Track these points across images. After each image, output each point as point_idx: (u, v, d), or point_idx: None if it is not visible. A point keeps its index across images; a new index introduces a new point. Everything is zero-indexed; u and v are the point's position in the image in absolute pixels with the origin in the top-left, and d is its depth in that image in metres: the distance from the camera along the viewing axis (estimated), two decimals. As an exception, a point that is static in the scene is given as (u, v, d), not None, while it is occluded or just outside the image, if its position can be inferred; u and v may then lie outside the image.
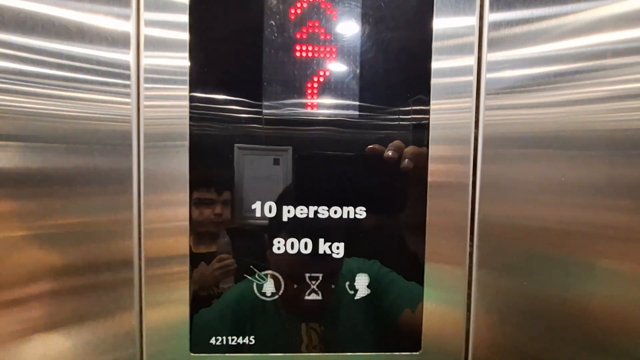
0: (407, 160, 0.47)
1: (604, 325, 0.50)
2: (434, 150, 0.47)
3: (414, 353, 0.48)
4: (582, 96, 0.48)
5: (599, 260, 0.50)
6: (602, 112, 0.48)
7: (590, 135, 0.48)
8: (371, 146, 0.47)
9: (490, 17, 0.46)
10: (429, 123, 0.47)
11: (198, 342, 0.47)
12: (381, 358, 0.49)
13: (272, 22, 0.45)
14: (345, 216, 0.47)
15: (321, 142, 0.47)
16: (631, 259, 0.50)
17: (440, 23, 0.46)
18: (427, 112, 0.47)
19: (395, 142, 0.47)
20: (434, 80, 0.46)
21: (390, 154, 0.47)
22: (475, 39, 0.46)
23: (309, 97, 0.46)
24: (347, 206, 0.47)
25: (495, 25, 0.46)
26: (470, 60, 0.46)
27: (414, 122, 0.47)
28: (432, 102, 0.46)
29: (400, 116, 0.47)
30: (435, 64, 0.46)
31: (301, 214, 0.47)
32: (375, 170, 0.47)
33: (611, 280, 0.50)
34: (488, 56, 0.46)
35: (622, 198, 0.49)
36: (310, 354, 0.48)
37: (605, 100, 0.48)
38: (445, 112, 0.47)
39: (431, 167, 0.47)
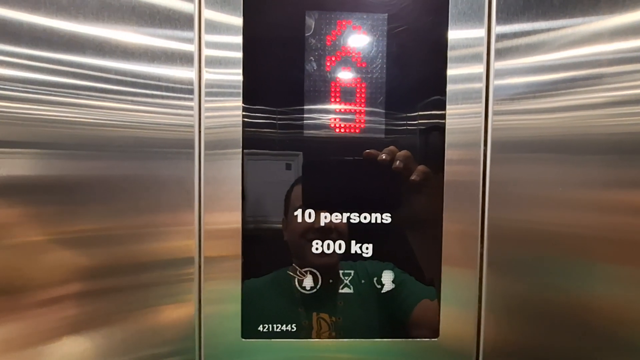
0: (422, 167, 0.51)
1: (608, 323, 0.53)
2: (449, 154, 0.51)
3: (434, 339, 0.53)
4: (582, 102, 0.51)
5: (604, 261, 0.52)
6: (601, 117, 0.51)
7: (591, 138, 0.51)
8: (368, 150, 0.51)
9: (496, 29, 0.50)
10: (445, 127, 0.51)
11: (248, 329, 0.52)
12: (406, 343, 0.53)
13: (312, 40, 0.50)
14: (373, 221, 0.52)
15: (358, 151, 0.51)
16: (638, 260, 0.52)
17: (454, 34, 0.50)
18: (444, 116, 0.51)
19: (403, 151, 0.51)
20: (449, 87, 0.50)
21: (419, 169, 0.51)
22: (484, 49, 0.50)
23: (345, 105, 0.51)
24: (375, 212, 0.52)
25: (501, 37, 0.50)
26: (480, 68, 0.50)
27: (432, 127, 0.51)
28: (447, 107, 0.50)
29: (420, 120, 0.51)
30: (450, 72, 0.50)
31: (336, 219, 0.52)
32: (400, 177, 0.51)
33: (616, 281, 0.52)
34: (495, 65, 0.50)
35: (628, 200, 0.52)
36: (343, 339, 0.53)
37: (603, 105, 0.51)
38: (458, 116, 0.51)
39: (447, 169, 0.51)
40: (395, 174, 0.51)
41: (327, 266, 0.52)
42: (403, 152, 0.51)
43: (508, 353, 0.53)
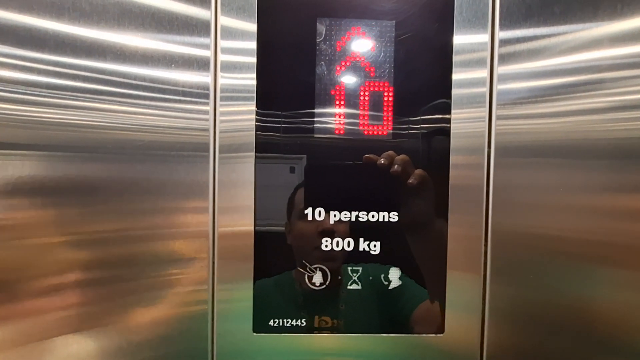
0: (420, 171, 0.52)
1: (611, 327, 0.53)
2: (454, 158, 0.52)
3: (439, 335, 0.54)
4: (583, 107, 0.52)
5: (607, 265, 0.53)
6: (602, 121, 0.52)
7: (592, 143, 0.52)
8: (368, 155, 0.52)
9: (500, 34, 0.51)
10: (450, 131, 0.52)
11: (259, 324, 0.53)
12: (412, 339, 0.54)
13: (323, 46, 0.51)
14: (381, 220, 0.53)
15: (363, 154, 0.52)
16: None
17: (458, 39, 0.51)
18: (449, 120, 0.52)
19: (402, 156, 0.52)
20: (454, 91, 0.51)
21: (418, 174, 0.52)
22: (487, 54, 0.51)
23: (354, 109, 0.52)
24: (383, 211, 0.53)
25: (505, 42, 0.51)
26: (484, 73, 0.51)
27: (438, 130, 0.52)
28: (452, 111, 0.51)
29: (426, 124, 0.52)
30: (455, 76, 0.51)
31: (345, 217, 0.53)
32: (402, 182, 0.53)
33: (619, 285, 0.53)
34: (499, 69, 0.51)
35: (630, 204, 0.52)
36: (351, 334, 0.54)
37: (605, 110, 0.52)
38: (463, 120, 0.52)
39: (452, 173, 0.52)
40: (398, 178, 0.52)
41: (336, 263, 0.53)
42: (401, 157, 0.52)
43: (511, 353, 0.54)
